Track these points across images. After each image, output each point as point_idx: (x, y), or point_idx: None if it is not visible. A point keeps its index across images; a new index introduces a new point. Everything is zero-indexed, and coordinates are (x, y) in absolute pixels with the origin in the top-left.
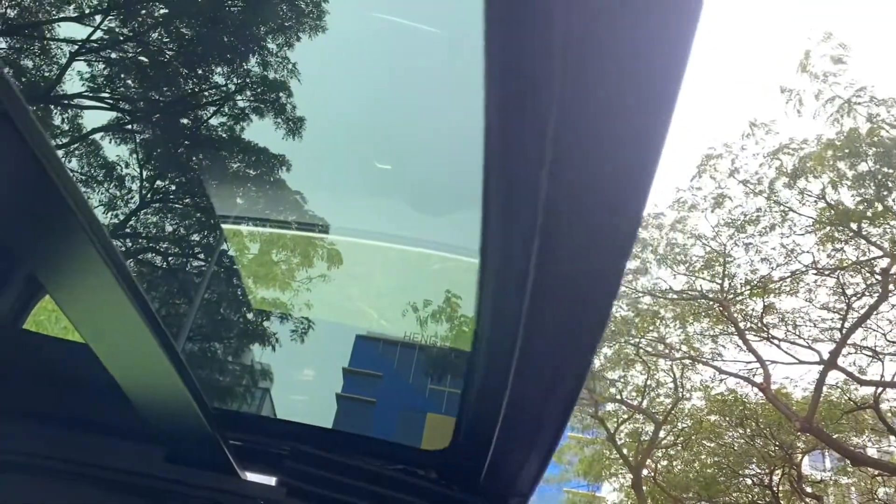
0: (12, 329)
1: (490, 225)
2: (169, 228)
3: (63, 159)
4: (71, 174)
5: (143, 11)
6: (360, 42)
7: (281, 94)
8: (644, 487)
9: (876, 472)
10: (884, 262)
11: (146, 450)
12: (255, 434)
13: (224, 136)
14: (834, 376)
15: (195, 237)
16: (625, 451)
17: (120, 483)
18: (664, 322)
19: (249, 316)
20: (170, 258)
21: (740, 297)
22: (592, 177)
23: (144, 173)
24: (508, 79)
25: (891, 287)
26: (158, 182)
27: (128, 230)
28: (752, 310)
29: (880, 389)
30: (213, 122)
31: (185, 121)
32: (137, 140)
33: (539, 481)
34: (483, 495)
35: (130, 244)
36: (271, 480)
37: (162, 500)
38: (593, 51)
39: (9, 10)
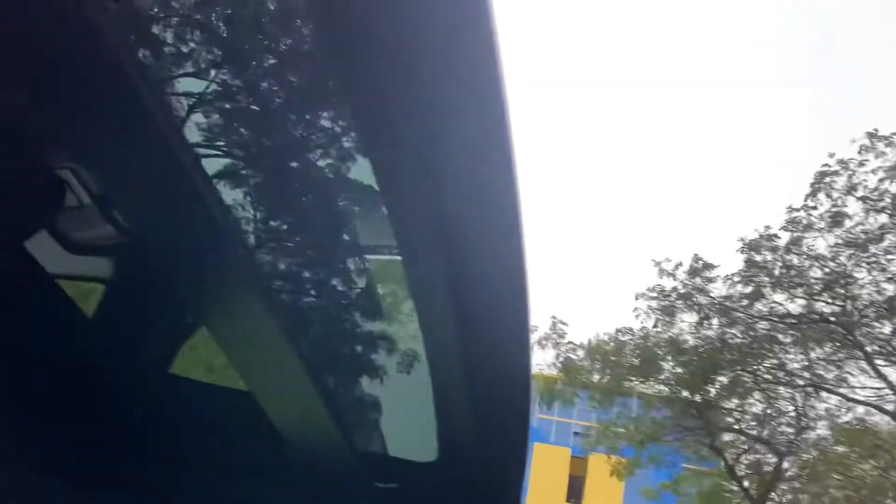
0: (161, 374)
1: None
2: (282, 267)
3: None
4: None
5: (254, 63)
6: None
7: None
8: None
9: None
10: None
11: (299, 493)
12: (389, 473)
13: (330, 176)
14: None
15: (307, 273)
16: (746, 483)
17: None
18: (783, 348)
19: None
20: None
21: (865, 320)
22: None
23: (257, 215)
24: None
25: None
26: (271, 223)
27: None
28: (880, 333)
29: None
30: (321, 163)
31: (294, 164)
32: (251, 184)
33: (521, 487)
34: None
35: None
36: None
37: None
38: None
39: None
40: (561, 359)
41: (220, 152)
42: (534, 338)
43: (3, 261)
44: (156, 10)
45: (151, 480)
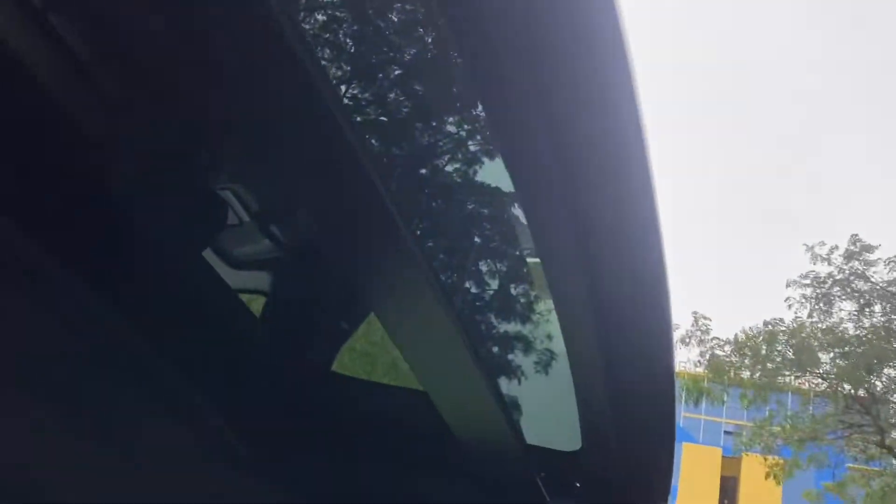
0: (325, 372)
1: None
2: (452, 269)
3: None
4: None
5: (381, 75)
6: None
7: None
8: None
9: None
10: None
11: (466, 487)
12: (550, 464)
13: (458, 180)
14: None
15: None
16: None
17: None
18: None
19: (518, 348)
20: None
21: None
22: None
23: (423, 217)
24: None
25: None
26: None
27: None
28: None
29: None
30: (449, 168)
31: (423, 171)
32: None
33: (671, 477)
34: (625, 495)
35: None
36: None
37: None
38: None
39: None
40: (707, 356)
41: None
42: (676, 335)
43: (183, 271)
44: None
45: (327, 477)
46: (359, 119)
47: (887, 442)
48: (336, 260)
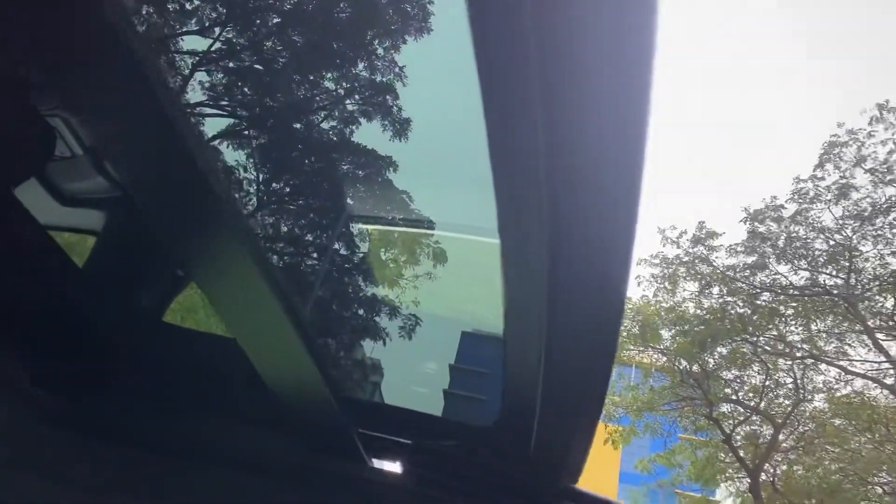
0: (154, 321)
1: (503, 210)
2: (284, 229)
3: (216, 160)
4: (223, 176)
5: (259, 21)
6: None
7: (387, 97)
8: (762, 493)
9: None
10: None
11: (281, 437)
12: (380, 423)
13: (334, 139)
14: None
15: (309, 237)
16: (742, 454)
17: (253, 467)
18: (784, 319)
19: (367, 312)
20: (286, 258)
21: (868, 293)
22: (585, 160)
23: (260, 176)
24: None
25: None
26: (273, 185)
27: (245, 232)
28: (883, 307)
29: None
30: (325, 125)
31: (297, 125)
32: (253, 145)
33: (587, 456)
34: (534, 472)
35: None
36: (397, 468)
37: (295, 484)
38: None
39: (139, 27)
40: None
41: (223, 112)
42: None
43: None
44: None
45: (142, 426)
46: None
47: (714, 415)
48: (154, 204)
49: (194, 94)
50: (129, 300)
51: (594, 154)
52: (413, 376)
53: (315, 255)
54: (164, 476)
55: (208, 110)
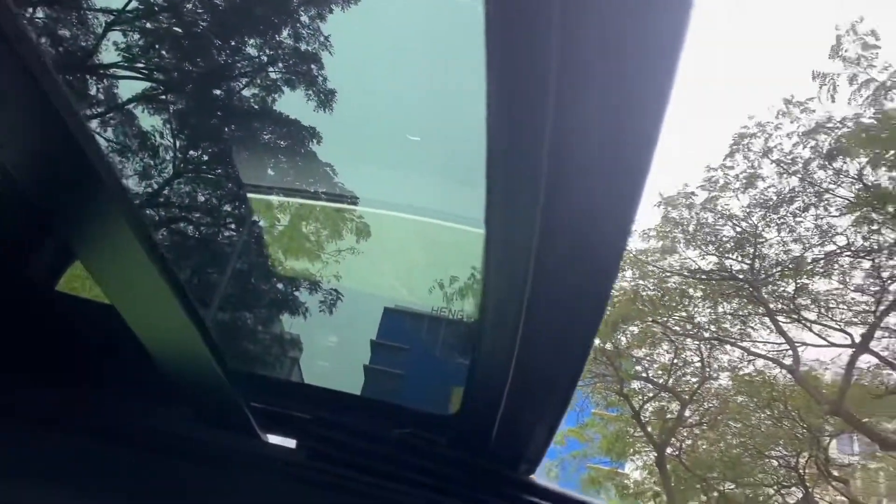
0: (46, 291)
1: (494, 196)
2: (201, 198)
3: (93, 127)
4: (101, 142)
5: None
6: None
7: (313, 66)
8: (668, 466)
9: None
10: None
11: (168, 410)
12: (278, 397)
13: (256, 107)
14: (866, 360)
15: (227, 207)
16: (649, 429)
17: (141, 440)
18: (693, 302)
19: (279, 286)
20: (202, 227)
21: (772, 279)
22: (591, 158)
23: (178, 143)
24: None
25: None
26: (191, 152)
27: (161, 199)
28: (784, 291)
29: None
30: (246, 93)
31: (217, 92)
32: (171, 110)
33: (547, 448)
34: (493, 460)
35: (164, 213)
36: (292, 443)
37: (183, 457)
38: (586, 48)
39: None
40: None
41: (139, 75)
42: None
43: None
44: None
45: (31, 398)
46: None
47: (625, 391)
48: (27, 166)
49: (108, 55)
50: (20, 270)
51: (600, 152)
52: (330, 351)
53: (231, 225)
54: (49, 450)
55: (121, 72)
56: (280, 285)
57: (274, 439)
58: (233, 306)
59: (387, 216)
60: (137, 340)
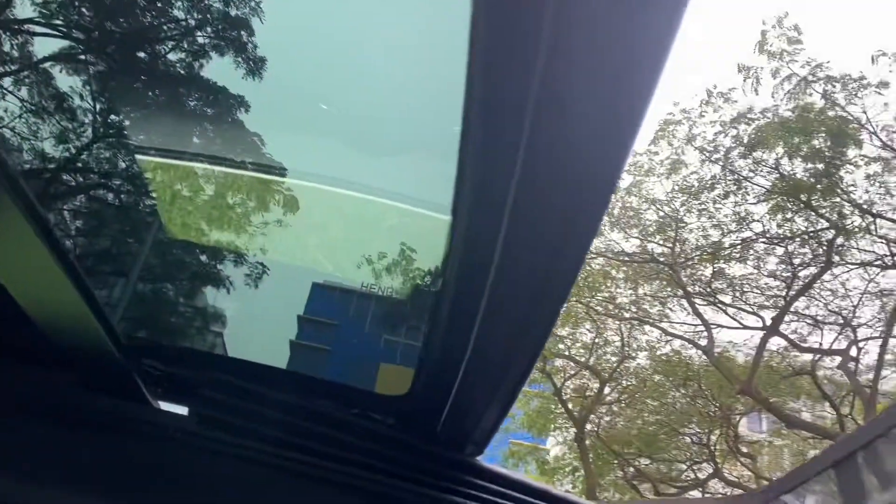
0: None
1: (465, 176)
2: (122, 165)
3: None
4: None
5: None
6: None
7: (242, 32)
8: (587, 442)
9: (808, 436)
10: (829, 234)
11: (56, 376)
12: (174, 364)
13: (182, 72)
14: (776, 342)
15: (148, 175)
16: (570, 406)
17: (27, 407)
18: (615, 282)
19: (203, 257)
20: (122, 195)
21: (691, 262)
22: (570, 140)
23: (98, 106)
24: (494, 36)
25: (835, 258)
26: (112, 116)
27: (79, 164)
28: (702, 275)
29: (818, 357)
30: (171, 57)
31: (141, 54)
32: (91, 72)
33: (496, 431)
34: (439, 443)
35: (81, 178)
36: (185, 410)
37: (71, 424)
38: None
39: None
40: None
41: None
42: None
43: None
44: None
45: None
46: None
47: (548, 368)
48: None
49: (23, 10)
50: None
51: (579, 150)
52: (255, 325)
53: (152, 194)
54: None
55: (39, 29)
56: (203, 257)
57: (167, 406)
58: (151, 277)
59: (316, 189)
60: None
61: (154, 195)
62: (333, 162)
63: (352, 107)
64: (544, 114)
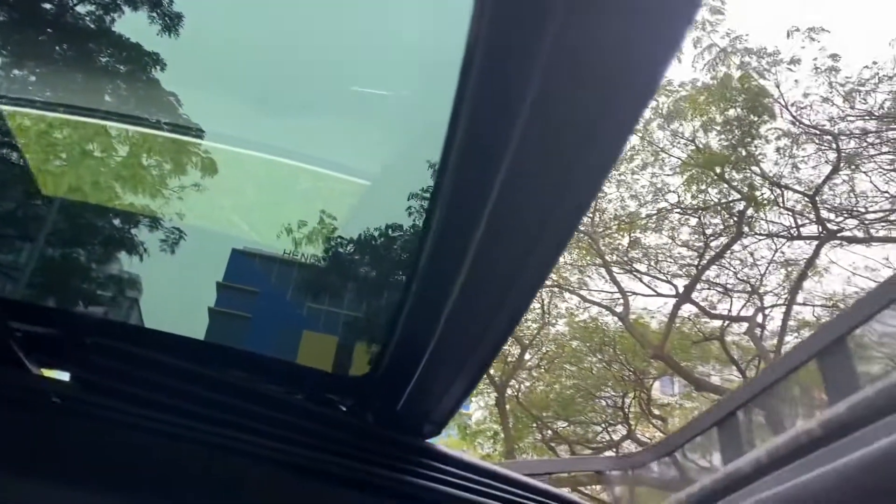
0: None
1: (457, 141)
2: (26, 122)
3: None
4: None
5: None
6: None
7: None
8: (507, 406)
9: (717, 398)
10: (741, 206)
11: None
12: (55, 327)
13: (92, 26)
14: (687, 309)
15: (56, 134)
16: (491, 371)
17: None
18: None
19: (115, 221)
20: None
21: (609, 232)
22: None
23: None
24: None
25: (745, 229)
26: (16, 71)
27: None
28: (619, 244)
29: (726, 323)
30: (80, 9)
31: (47, 5)
32: None
33: (457, 411)
34: (396, 422)
35: None
36: (66, 375)
37: None
38: None
39: None
40: None
41: None
42: None
43: None
44: None
45: None
46: None
47: None
48: None
49: None
50: None
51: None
52: (170, 291)
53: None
54: None
55: None
56: (116, 221)
57: (48, 372)
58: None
59: (235, 153)
60: None
61: (61, 154)
62: (253, 124)
63: (274, 67)
64: (539, 109)
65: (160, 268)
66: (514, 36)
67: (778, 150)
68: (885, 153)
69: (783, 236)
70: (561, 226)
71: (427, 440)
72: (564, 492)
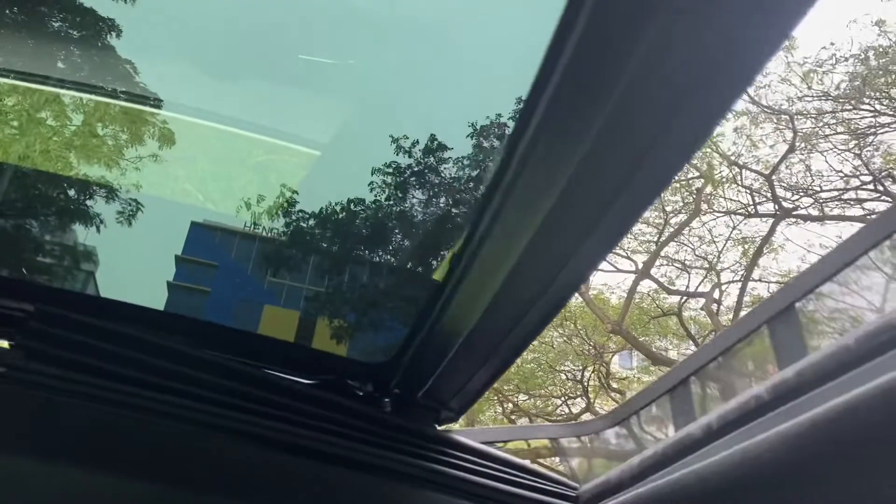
0: None
1: (528, 135)
2: None
3: None
4: None
5: None
6: None
7: None
8: None
9: None
10: (699, 184)
11: None
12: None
13: None
14: (646, 285)
15: (6, 100)
16: None
17: None
18: None
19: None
20: None
21: None
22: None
23: None
24: None
25: (703, 206)
26: None
27: None
28: None
29: (684, 299)
30: None
31: None
32: None
33: (478, 400)
34: (414, 409)
35: None
36: (4, 343)
37: None
38: None
39: None
40: None
41: None
42: None
43: None
44: None
45: None
46: None
47: None
48: None
49: None
50: None
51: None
52: (128, 264)
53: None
54: None
55: None
56: (71, 191)
57: None
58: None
59: (194, 123)
60: None
61: (11, 121)
62: (213, 95)
63: (236, 36)
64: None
65: (117, 240)
66: (613, 28)
67: (735, 129)
68: (839, 133)
69: (740, 214)
70: (615, 223)
71: (442, 427)
72: (568, 480)
